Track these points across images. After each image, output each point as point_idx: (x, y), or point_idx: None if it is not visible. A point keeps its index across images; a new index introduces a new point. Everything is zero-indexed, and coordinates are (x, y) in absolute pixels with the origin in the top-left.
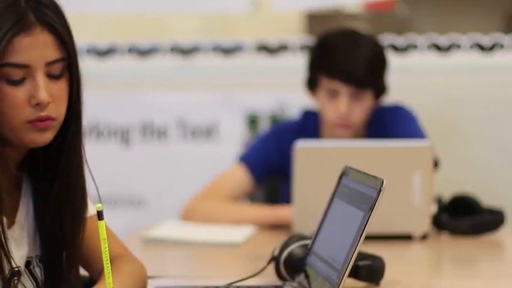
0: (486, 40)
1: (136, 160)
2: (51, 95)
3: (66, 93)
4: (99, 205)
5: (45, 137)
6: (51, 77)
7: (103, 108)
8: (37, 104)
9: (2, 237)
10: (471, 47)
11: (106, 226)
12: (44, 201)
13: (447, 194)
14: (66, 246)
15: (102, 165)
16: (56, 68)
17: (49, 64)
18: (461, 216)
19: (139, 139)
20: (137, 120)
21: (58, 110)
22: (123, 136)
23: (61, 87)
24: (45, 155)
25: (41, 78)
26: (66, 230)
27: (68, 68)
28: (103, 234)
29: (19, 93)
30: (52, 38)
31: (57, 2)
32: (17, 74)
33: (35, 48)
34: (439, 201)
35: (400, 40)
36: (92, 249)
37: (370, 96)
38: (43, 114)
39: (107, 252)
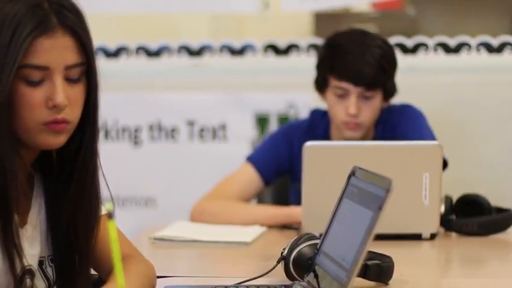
0: (494, 41)
1: (145, 160)
2: (68, 98)
3: (83, 98)
4: (109, 205)
5: (59, 140)
6: (69, 80)
7: (112, 108)
8: (54, 107)
9: (15, 235)
10: (479, 47)
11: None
12: (57, 202)
13: (456, 194)
14: (79, 247)
15: (111, 165)
16: (75, 72)
17: (68, 68)
18: (470, 216)
19: (148, 139)
20: (146, 120)
21: (73, 114)
22: (132, 136)
23: (78, 91)
24: (59, 157)
25: (59, 81)
26: (79, 232)
27: (86, 72)
28: (113, 235)
29: (37, 95)
30: (73, 41)
31: (79, 7)
32: (36, 75)
33: (56, 51)
34: (447, 201)
35: (408, 41)
36: (102, 250)
37: (379, 96)
38: (59, 117)
39: (118, 252)
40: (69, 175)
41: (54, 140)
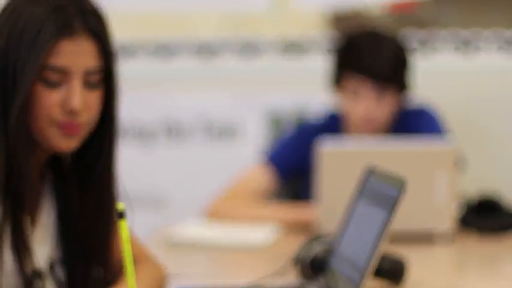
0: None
1: (157, 160)
2: (84, 103)
3: (100, 103)
4: (120, 205)
5: (71, 144)
6: (87, 85)
7: (123, 107)
8: (69, 110)
9: (25, 236)
10: (496, 46)
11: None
12: (69, 204)
13: (473, 194)
14: (96, 252)
15: (122, 165)
16: (94, 77)
17: (88, 72)
18: (488, 216)
19: (160, 139)
20: (158, 120)
21: (88, 118)
22: (144, 136)
23: (95, 96)
24: (77, 161)
25: (77, 85)
26: (99, 237)
27: (105, 78)
28: (124, 235)
29: (53, 96)
30: (95, 47)
31: (103, 12)
32: (54, 77)
33: (77, 54)
34: (465, 200)
35: (424, 39)
36: (115, 251)
37: (393, 94)
38: (73, 121)
39: (130, 252)
40: (84, 178)
41: (65, 144)
